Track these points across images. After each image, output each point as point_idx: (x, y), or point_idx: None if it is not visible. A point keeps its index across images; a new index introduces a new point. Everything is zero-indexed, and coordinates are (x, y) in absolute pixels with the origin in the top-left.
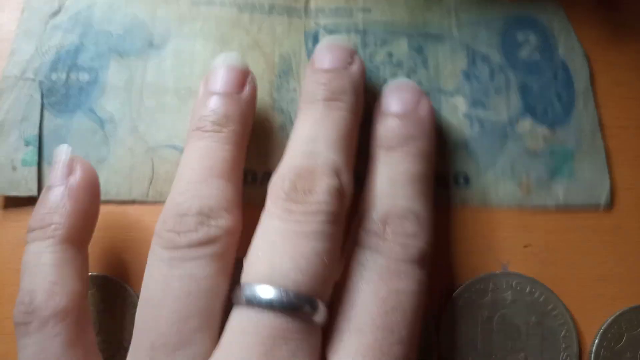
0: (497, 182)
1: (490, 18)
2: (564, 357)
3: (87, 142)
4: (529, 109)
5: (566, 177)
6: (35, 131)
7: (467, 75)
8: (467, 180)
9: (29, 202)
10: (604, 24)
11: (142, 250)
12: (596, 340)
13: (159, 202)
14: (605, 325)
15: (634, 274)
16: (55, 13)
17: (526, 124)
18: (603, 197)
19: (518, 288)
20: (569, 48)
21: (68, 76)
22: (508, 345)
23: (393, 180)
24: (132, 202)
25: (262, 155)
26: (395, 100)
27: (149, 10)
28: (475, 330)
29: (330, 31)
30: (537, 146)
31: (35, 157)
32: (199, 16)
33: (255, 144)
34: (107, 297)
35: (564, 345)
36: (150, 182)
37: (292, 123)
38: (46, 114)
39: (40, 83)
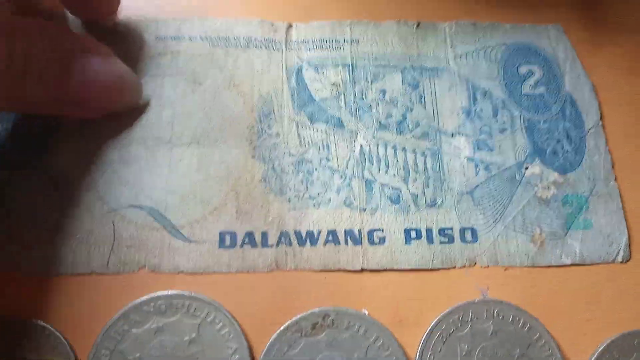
0: (508, 237)
1: (488, 47)
2: None
3: (37, 204)
4: (538, 151)
5: (582, 229)
6: None
7: (468, 113)
8: (474, 234)
9: None
10: (586, 25)
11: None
12: None
13: (121, 273)
14: (596, 355)
15: (626, 296)
16: None
17: (535, 169)
18: (621, 253)
19: (500, 317)
20: (575, 79)
21: (14, 126)
22: None
23: None
24: (90, 273)
25: (241, 213)
26: None
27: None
28: None
29: (315, 66)
30: (548, 194)
31: None
32: (167, 51)
33: (235, 200)
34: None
35: None
36: (112, 249)
37: (275, 173)
38: None
39: None
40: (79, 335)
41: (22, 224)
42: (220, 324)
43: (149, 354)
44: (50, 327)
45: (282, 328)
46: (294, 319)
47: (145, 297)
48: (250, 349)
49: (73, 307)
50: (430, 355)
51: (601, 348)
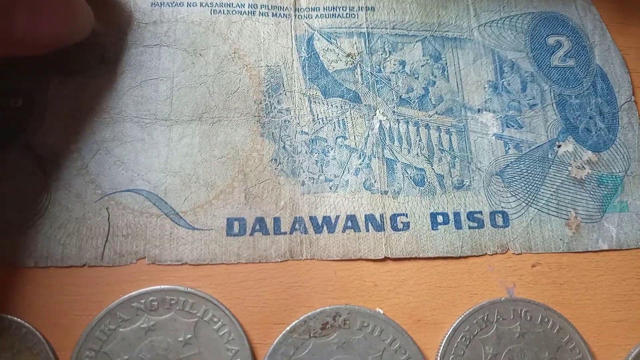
0: (542, 221)
1: (514, 15)
2: None
3: (22, 187)
4: (570, 128)
5: (618, 212)
6: None
7: (496, 87)
8: (505, 218)
9: None
10: (618, 4)
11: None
12: None
13: (118, 265)
14: (630, 359)
15: None
16: None
17: (568, 147)
18: None
19: (528, 317)
20: (605, 52)
21: None
22: None
23: None
24: (82, 266)
25: (250, 198)
26: None
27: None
28: None
29: (328, 35)
30: (582, 174)
31: None
32: (163, 19)
33: (243, 183)
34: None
35: None
36: (106, 240)
37: (286, 153)
38: None
39: None
40: (61, 334)
41: (3, 209)
42: (219, 322)
43: (138, 357)
44: (27, 325)
45: (288, 328)
46: (301, 318)
47: (134, 293)
48: (253, 352)
49: (57, 304)
50: (452, 359)
51: (635, 351)
